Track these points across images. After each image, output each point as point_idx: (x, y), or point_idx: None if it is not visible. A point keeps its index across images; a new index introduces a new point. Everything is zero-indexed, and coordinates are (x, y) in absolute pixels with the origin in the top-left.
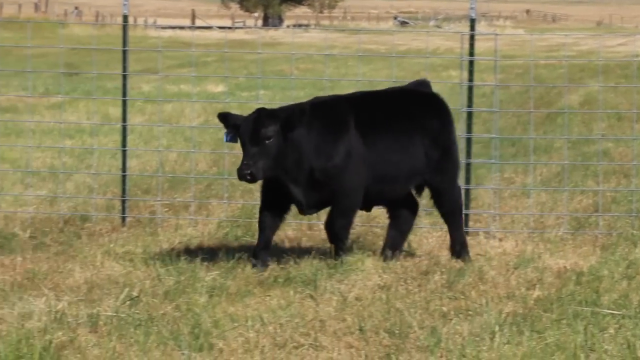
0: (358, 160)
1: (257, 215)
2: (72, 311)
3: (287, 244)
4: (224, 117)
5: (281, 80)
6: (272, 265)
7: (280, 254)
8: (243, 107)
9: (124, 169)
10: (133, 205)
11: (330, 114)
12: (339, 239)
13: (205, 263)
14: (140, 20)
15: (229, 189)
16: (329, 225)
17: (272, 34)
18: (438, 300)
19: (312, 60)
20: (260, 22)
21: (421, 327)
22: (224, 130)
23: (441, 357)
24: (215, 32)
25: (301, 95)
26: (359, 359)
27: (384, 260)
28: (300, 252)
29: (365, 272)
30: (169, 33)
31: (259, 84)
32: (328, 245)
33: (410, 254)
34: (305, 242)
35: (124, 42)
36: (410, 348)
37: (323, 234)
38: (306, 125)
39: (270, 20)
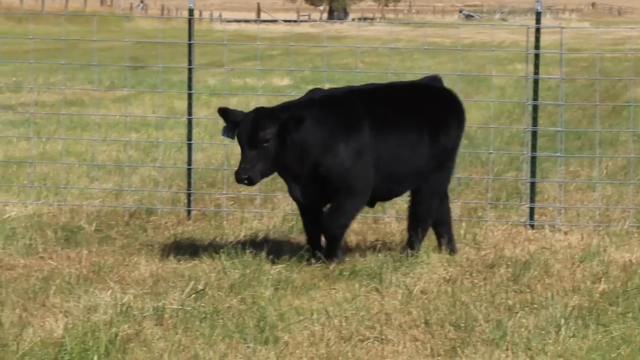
0: (368, 160)
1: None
2: (137, 304)
3: (352, 238)
4: (224, 112)
5: (346, 74)
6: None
7: (346, 247)
8: None
9: (189, 162)
10: (198, 199)
11: (340, 110)
12: (334, 238)
13: (271, 256)
14: (206, 14)
15: None
16: (326, 222)
17: (337, 27)
18: (503, 294)
19: (378, 54)
20: (325, 16)
21: (487, 320)
22: (223, 125)
23: (507, 350)
24: (280, 26)
25: None
26: (424, 352)
27: (450, 253)
28: (365, 245)
29: (431, 266)
30: (234, 26)
31: (324, 78)
32: (393, 238)
33: (476, 247)
34: (370, 236)
35: (190, 36)
36: (476, 341)
37: (388, 227)
38: (314, 119)
39: (336, 14)
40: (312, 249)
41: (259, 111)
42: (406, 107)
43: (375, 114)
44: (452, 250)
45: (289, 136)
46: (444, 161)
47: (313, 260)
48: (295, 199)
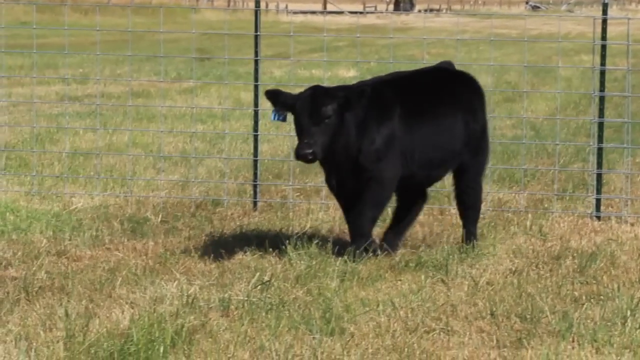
0: (397, 151)
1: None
2: (203, 295)
3: (418, 229)
4: (275, 95)
5: (413, 65)
6: (404, 250)
7: (412, 238)
8: None
9: (255, 153)
10: (264, 190)
11: (377, 98)
12: (362, 235)
13: (337, 247)
14: (272, 6)
15: None
16: (355, 218)
17: (403, 18)
18: (570, 285)
19: (444, 45)
20: (391, 7)
21: (553, 312)
22: (272, 109)
23: (572, 342)
24: (346, 17)
25: None
26: (490, 343)
27: (381, 241)
28: (431, 236)
29: (497, 257)
30: (300, 18)
31: (391, 69)
32: (459, 229)
33: (542, 239)
34: (436, 227)
35: (256, 27)
36: (542, 333)
37: (454, 219)
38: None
39: (402, 5)
40: (375, 241)
41: (317, 89)
42: (436, 93)
43: (405, 102)
44: (397, 243)
45: (346, 114)
46: (480, 142)
47: (379, 252)
48: (332, 188)
